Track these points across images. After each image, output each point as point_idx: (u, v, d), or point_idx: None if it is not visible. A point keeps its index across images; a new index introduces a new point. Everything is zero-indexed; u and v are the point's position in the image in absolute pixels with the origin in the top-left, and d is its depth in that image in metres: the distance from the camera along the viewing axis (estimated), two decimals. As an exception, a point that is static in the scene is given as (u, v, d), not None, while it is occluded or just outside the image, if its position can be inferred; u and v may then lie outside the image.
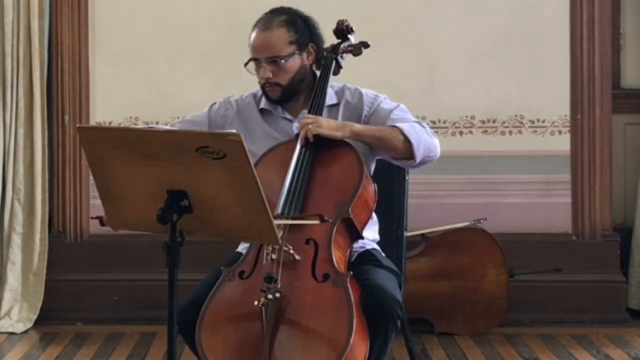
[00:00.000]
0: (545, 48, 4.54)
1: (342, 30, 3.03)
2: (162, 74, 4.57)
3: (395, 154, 2.78)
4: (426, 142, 2.76)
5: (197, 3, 4.58)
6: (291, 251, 2.54)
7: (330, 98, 2.92)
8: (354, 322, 2.40)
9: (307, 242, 2.58)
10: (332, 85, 2.96)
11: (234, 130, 2.78)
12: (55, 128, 4.58)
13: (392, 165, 2.91)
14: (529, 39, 4.54)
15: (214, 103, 3.03)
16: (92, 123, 4.56)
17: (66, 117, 4.57)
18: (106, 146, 2.27)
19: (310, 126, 2.71)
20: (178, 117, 4.52)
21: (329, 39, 3.02)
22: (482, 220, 4.33)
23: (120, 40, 4.59)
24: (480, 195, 4.53)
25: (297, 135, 2.78)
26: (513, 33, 4.54)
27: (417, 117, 2.90)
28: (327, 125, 2.72)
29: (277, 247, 2.53)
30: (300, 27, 2.88)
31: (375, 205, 2.75)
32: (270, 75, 2.84)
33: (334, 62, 2.95)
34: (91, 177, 3.27)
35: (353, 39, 3.05)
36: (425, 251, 4.30)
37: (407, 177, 3.08)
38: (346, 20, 3.04)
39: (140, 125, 4.46)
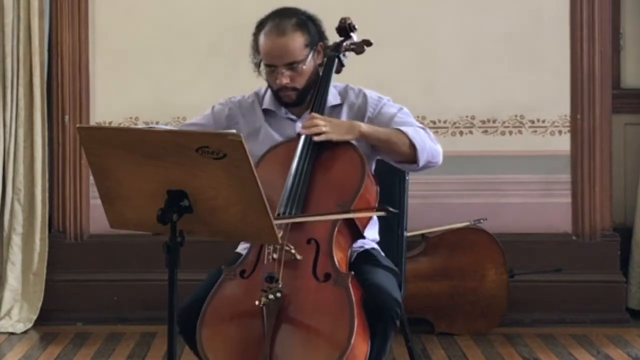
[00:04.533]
0: (545, 48, 4.54)
1: (345, 28, 3.01)
2: (162, 74, 4.57)
3: (399, 157, 2.79)
4: (430, 148, 2.78)
5: (197, 3, 4.58)
6: (292, 251, 2.54)
7: (334, 98, 2.92)
8: (355, 322, 2.39)
9: (309, 241, 2.58)
10: (335, 85, 2.95)
11: (234, 131, 2.78)
12: (55, 128, 4.58)
13: (392, 165, 2.91)
14: (529, 39, 4.54)
15: (214, 105, 3.00)
16: (92, 123, 4.56)
17: (66, 117, 4.57)
18: (106, 146, 2.27)
19: (323, 128, 2.70)
20: (178, 117, 4.55)
21: (331, 37, 3.01)
22: (482, 220, 4.33)
23: (120, 40, 4.59)
24: (480, 195, 4.53)
25: (299, 135, 2.78)
26: (513, 33, 4.54)
27: (417, 117, 2.91)
28: (336, 130, 2.72)
29: (278, 246, 2.53)
30: (311, 28, 2.86)
31: (377, 205, 2.74)
32: (288, 80, 2.82)
33: (336, 61, 2.94)
34: (91, 177, 3.28)
35: (355, 37, 3.04)
36: (425, 251, 4.30)
37: (407, 177, 3.09)
38: (349, 18, 3.02)
39: (140, 125, 4.46)
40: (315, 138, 2.71)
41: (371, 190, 2.72)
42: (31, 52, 4.46)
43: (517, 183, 4.55)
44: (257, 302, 2.42)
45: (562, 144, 4.55)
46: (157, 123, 4.44)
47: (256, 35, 2.87)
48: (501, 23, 4.54)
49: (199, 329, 2.48)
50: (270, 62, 2.82)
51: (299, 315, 2.45)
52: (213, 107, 2.99)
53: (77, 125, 3.78)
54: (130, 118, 4.59)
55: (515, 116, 4.56)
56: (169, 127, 3.59)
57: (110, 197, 2.34)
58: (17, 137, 4.49)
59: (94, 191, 4.39)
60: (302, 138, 2.74)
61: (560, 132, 4.55)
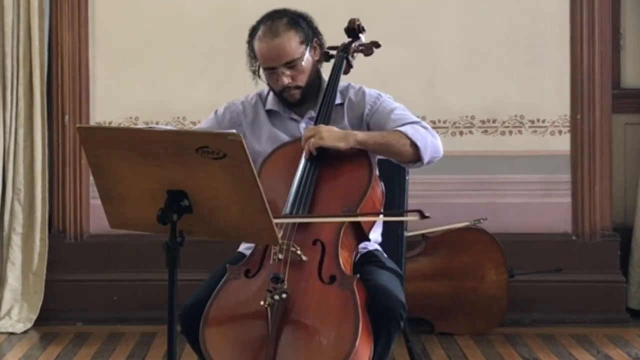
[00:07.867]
0: (545, 48, 4.54)
1: (354, 29, 3.02)
2: (162, 74, 4.58)
3: (401, 158, 2.78)
4: (432, 143, 2.78)
5: (198, 3, 4.58)
6: (298, 251, 2.53)
7: (336, 98, 2.91)
8: (360, 326, 2.38)
9: (315, 242, 2.57)
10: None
11: (234, 130, 2.78)
12: (55, 128, 4.58)
13: (393, 165, 2.91)
14: (529, 39, 4.54)
15: (217, 109, 3.00)
16: (92, 123, 4.56)
17: (66, 117, 4.57)
18: (106, 146, 2.27)
19: (312, 139, 2.68)
20: (178, 117, 4.56)
21: (340, 38, 3.01)
22: (482, 220, 4.33)
23: (120, 40, 4.59)
24: (480, 195, 4.53)
25: None
26: (513, 33, 4.54)
27: (417, 117, 2.90)
28: (328, 136, 2.69)
29: (284, 247, 2.52)
30: (303, 25, 2.86)
31: (382, 208, 2.74)
32: (290, 80, 2.82)
33: (344, 62, 2.94)
34: (91, 177, 3.27)
35: (364, 38, 3.03)
36: (425, 251, 4.30)
37: (407, 177, 3.08)
38: (358, 19, 3.03)
39: (140, 125, 4.46)
40: (305, 147, 2.69)
41: (377, 192, 2.71)
42: (31, 52, 4.46)
43: (517, 183, 4.55)
44: (262, 302, 2.41)
45: (562, 144, 4.55)
46: (157, 123, 4.45)
47: (250, 42, 2.88)
48: (501, 23, 4.54)
49: (202, 328, 2.47)
50: (270, 65, 2.83)
51: (303, 317, 2.43)
52: (216, 111, 2.99)
53: (77, 125, 3.78)
54: (130, 118, 4.59)
55: (515, 116, 4.56)
56: (169, 127, 3.59)
57: (110, 197, 2.34)
58: (17, 137, 4.49)
59: (94, 191, 4.39)
60: None
61: (560, 132, 4.55)
